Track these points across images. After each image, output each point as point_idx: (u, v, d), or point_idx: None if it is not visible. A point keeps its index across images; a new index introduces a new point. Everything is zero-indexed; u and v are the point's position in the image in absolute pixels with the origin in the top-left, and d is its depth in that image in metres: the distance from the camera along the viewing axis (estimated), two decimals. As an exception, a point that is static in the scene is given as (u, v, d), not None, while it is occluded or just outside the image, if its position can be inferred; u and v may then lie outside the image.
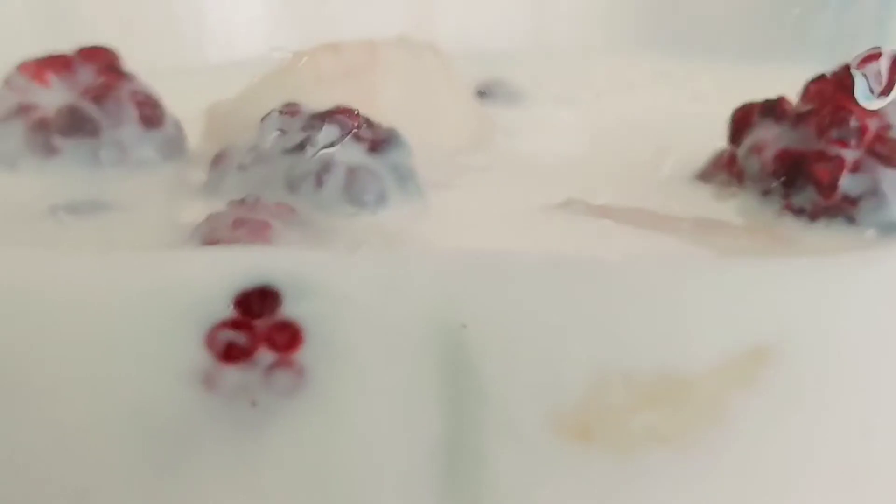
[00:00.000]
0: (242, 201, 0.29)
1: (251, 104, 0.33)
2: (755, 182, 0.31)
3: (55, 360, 0.28)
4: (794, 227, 0.30)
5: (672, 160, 0.32)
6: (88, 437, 0.28)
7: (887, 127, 0.29)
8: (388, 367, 0.27)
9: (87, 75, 0.35)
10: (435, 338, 0.27)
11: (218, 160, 0.32)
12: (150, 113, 0.34)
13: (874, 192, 0.29)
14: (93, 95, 0.34)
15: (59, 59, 0.35)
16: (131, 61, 0.36)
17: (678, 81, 0.36)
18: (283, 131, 0.30)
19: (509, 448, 0.28)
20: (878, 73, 0.29)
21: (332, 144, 0.30)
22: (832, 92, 0.30)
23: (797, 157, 0.30)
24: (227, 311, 0.27)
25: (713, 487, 0.28)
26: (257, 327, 0.27)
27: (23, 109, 0.34)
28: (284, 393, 0.27)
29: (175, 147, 0.35)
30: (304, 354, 0.27)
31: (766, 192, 0.30)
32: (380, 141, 0.31)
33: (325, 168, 0.30)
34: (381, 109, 0.32)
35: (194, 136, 0.36)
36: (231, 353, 0.27)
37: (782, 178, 0.30)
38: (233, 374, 0.27)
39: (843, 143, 0.29)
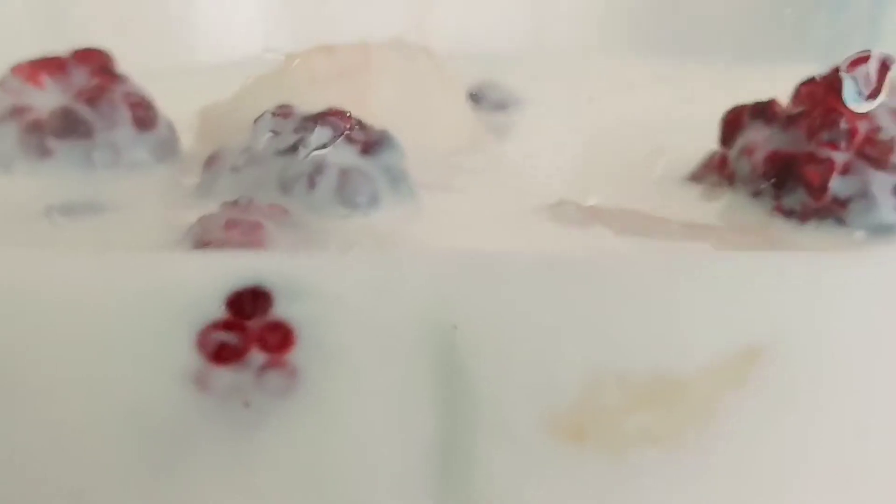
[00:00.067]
0: (235, 203, 0.29)
1: (244, 106, 0.33)
2: (746, 183, 0.31)
3: (49, 360, 0.28)
4: (784, 229, 0.30)
5: (664, 162, 0.33)
6: (84, 437, 0.28)
7: (877, 129, 0.29)
8: (380, 368, 0.27)
9: (81, 77, 0.35)
10: (428, 339, 0.27)
11: (211, 162, 0.32)
12: (144, 115, 0.34)
13: (864, 194, 0.29)
14: (86, 97, 0.34)
15: (53, 60, 0.35)
16: (126, 63, 0.36)
17: (671, 83, 0.36)
18: (275, 133, 0.30)
19: (503, 449, 0.28)
20: (867, 76, 0.29)
21: (324, 146, 0.30)
22: (823, 94, 0.30)
23: (788, 159, 0.30)
24: (219, 311, 0.27)
25: (706, 487, 0.28)
26: (249, 328, 0.27)
27: (17, 111, 0.34)
28: (277, 393, 0.27)
29: (168, 149, 0.35)
30: (297, 355, 0.27)
31: (756, 194, 0.31)
32: (372, 143, 0.31)
33: (318, 170, 0.30)
34: (374, 111, 0.32)
35: (188, 138, 0.36)
36: (223, 354, 0.27)
37: (773, 180, 0.30)
38: (225, 374, 0.27)
39: (834, 145, 0.30)
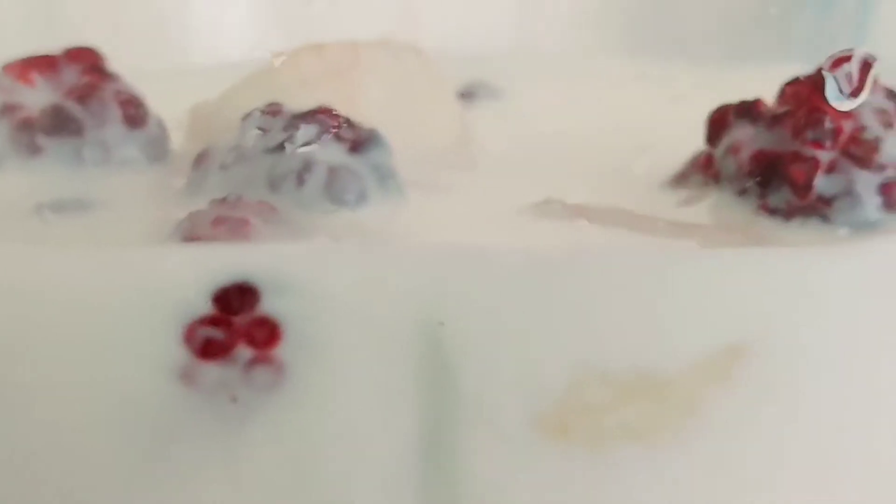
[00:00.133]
0: (224, 200, 0.29)
1: (234, 105, 0.33)
2: (731, 182, 0.31)
3: (39, 355, 0.28)
4: (769, 227, 0.30)
5: (651, 161, 0.33)
6: (73, 432, 0.28)
7: (861, 128, 0.30)
8: (367, 364, 0.28)
9: (72, 76, 0.35)
10: (414, 335, 0.27)
11: (200, 160, 0.32)
12: (134, 113, 0.34)
13: (848, 193, 0.29)
14: (77, 95, 0.34)
15: (43, 59, 0.35)
16: (117, 62, 0.36)
17: (659, 83, 0.36)
18: (263, 130, 0.31)
19: (487, 445, 0.28)
20: (849, 75, 0.29)
21: (310, 143, 0.30)
22: (808, 93, 0.30)
23: (773, 158, 0.30)
24: (206, 307, 0.27)
25: (689, 483, 0.29)
26: (236, 324, 0.27)
27: (7, 109, 0.34)
28: (264, 388, 0.27)
29: (158, 147, 0.35)
30: (283, 350, 0.27)
31: (742, 193, 0.31)
32: (361, 141, 0.31)
33: (307, 167, 0.30)
34: (363, 110, 0.32)
35: (179, 137, 0.36)
36: (209, 350, 0.27)
37: (758, 179, 0.30)
38: (212, 370, 0.27)
39: (818, 144, 0.30)
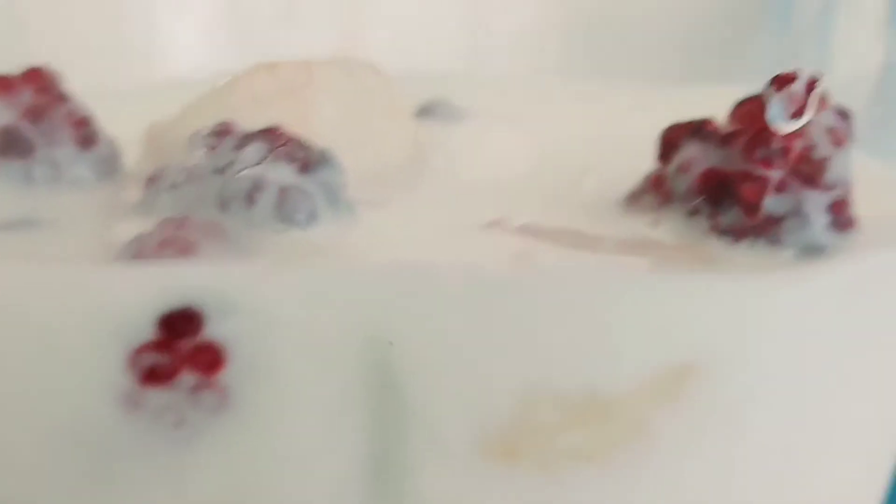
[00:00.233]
0: (171, 220, 0.29)
1: (188, 123, 0.33)
2: (682, 201, 0.31)
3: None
4: (718, 247, 0.30)
5: (602, 181, 0.33)
6: (17, 450, 0.28)
7: (811, 147, 0.30)
8: (314, 385, 0.27)
9: (27, 96, 0.35)
10: (361, 354, 0.27)
11: (152, 179, 0.32)
12: (85, 133, 0.34)
13: (797, 213, 0.29)
14: (29, 116, 0.34)
15: (1, 80, 0.35)
16: (78, 81, 0.36)
17: (613, 104, 0.36)
18: (211, 149, 0.30)
19: (436, 466, 0.28)
20: (794, 95, 0.29)
21: (259, 163, 0.30)
22: (758, 113, 0.30)
23: (723, 177, 0.30)
24: (150, 331, 0.27)
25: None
26: (180, 349, 0.27)
27: (-37, 130, 0.34)
28: (210, 411, 0.27)
29: (110, 166, 0.35)
30: (229, 375, 0.27)
31: (693, 212, 0.31)
32: (311, 161, 0.31)
33: (257, 187, 0.30)
34: (316, 128, 0.32)
35: (135, 156, 0.36)
36: (153, 376, 0.27)
37: (707, 197, 0.30)
38: (156, 395, 0.27)
39: (768, 163, 0.30)
